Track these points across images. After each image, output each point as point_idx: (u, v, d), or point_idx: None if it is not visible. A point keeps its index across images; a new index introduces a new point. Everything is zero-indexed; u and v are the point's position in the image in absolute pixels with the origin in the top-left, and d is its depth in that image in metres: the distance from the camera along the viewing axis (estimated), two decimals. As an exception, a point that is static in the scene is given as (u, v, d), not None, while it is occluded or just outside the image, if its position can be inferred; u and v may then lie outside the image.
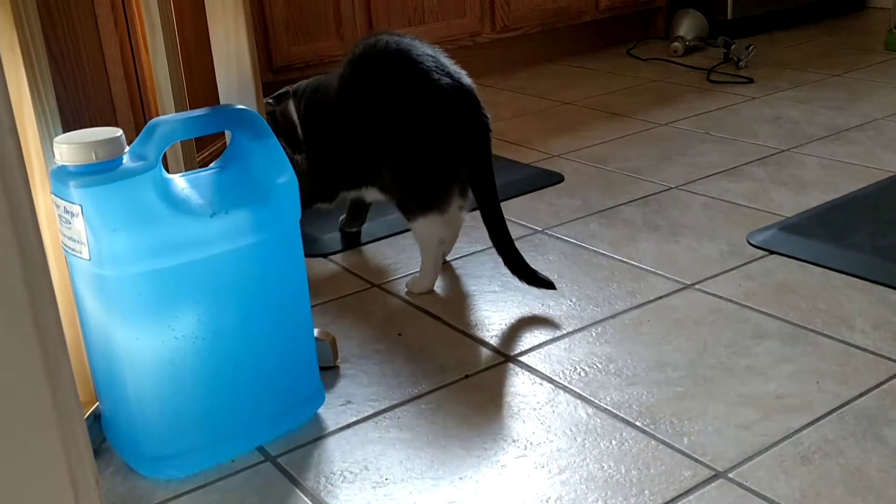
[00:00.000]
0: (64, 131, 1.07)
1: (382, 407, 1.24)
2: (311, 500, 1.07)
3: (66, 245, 1.05)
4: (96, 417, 1.18)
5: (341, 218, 1.83)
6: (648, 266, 1.60)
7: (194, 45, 1.87)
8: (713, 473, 1.07)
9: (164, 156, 1.11)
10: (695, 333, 1.37)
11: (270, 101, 1.72)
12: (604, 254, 1.66)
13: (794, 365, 1.27)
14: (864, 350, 1.30)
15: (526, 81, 2.97)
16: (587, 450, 1.13)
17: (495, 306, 1.50)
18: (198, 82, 1.86)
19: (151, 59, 1.30)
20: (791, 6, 3.47)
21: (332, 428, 1.21)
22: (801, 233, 1.68)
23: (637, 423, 1.17)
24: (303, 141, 1.70)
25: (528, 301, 1.51)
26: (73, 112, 1.65)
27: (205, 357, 1.09)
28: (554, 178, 2.06)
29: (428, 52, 1.50)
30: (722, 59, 3.00)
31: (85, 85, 1.67)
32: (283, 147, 1.16)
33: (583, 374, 1.29)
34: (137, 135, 1.06)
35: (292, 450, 1.17)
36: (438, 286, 1.59)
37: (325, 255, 1.75)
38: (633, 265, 1.61)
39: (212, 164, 1.14)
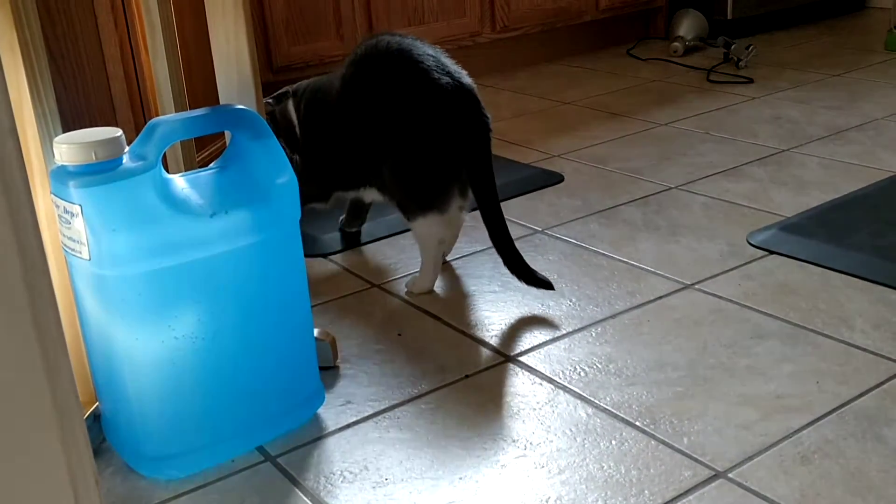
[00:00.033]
0: (64, 131, 1.07)
1: (382, 407, 1.24)
2: (310, 500, 1.07)
3: (65, 245, 1.05)
4: (96, 417, 1.18)
5: (341, 218, 1.83)
6: (648, 266, 1.60)
7: (194, 46, 1.87)
8: (713, 473, 1.07)
9: (164, 156, 1.11)
10: (695, 333, 1.37)
11: (270, 100, 1.72)
12: (604, 254, 1.66)
13: (794, 365, 1.27)
14: (864, 350, 1.30)
15: (526, 81, 2.97)
16: (587, 450, 1.13)
17: (495, 306, 1.51)
18: (198, 82, 1.86)
19: (151, 59, 1.30)
20: (791, 6, 3.47)
21: (331, 428, 1.21)
22: (801, 233, 1.68)
23: (637, 423, 1.17)
24: (300, 141, 1.70)
25: (528, 301, 1.51)
26: (72, 112, 1.65)
27: (204, 357, 1.09)
28: (554, 178, 2.06)
29: (429, 51, 1.50)
30: (722, 59, 3.00)
31: (85, 85, 1.67)
32: (282, 147, 1.16)
33: (583, 374, 1.29)
34: (137, 135, 1.06)
35: (292, 450, 1.17)
36: (438, 286, 1.59)
37: (324, 255, 1.75)
38: (632, 265, 1.61)
39: (212, 164, 1.14)
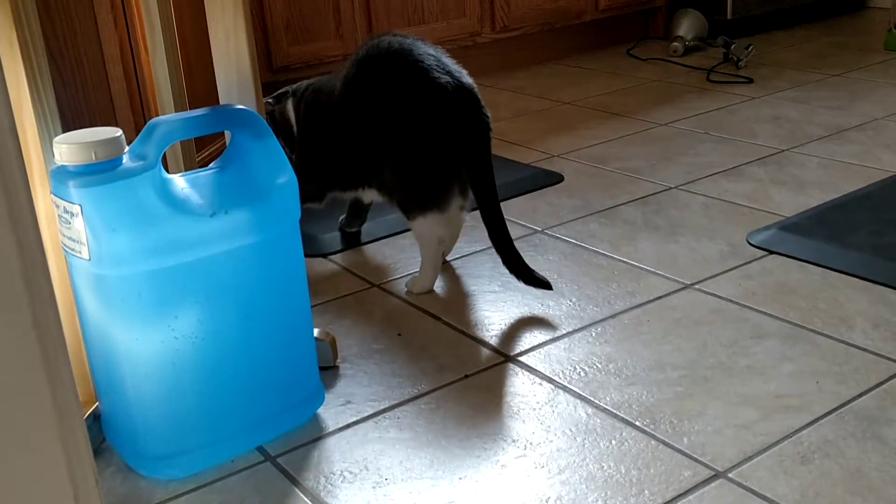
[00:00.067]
0: (63, 131, 1.07)
1: (382, 407, 1.24)
2: (310, 500, 1.07)
3: (65, 245, 1.05)
4: (96, 417, 1.18)
5: (341, 218, 1.83)
6: (648, 266, 1.60)
7: (194, 45, 1.87)
8: (713, 473, 1.07)
9: (164, 156, 1.11)
10: (694, 333, 1.37)
11: (270, 100, 1.72)
12: (604, 254, 1.66)
13: (794, 365, 1.27)
14: (864, 350, 1.30)
15: (526, 81, 2.97)
16: (587, 450, 1.13)
17: (495, 306, 1.51)
18: (198, 82, 1.86)
19: (151, 58, 1.30)
20: (791, 6, 3.47)
21: (331, 428, 1.21)
22: (800, 233, 1.68)
23: (637, 423, 1.17)
24: (296, 140, 1.70)
25: (528, 301, 1.51)
26: (72, 112, 1.65)
27: (204, 357, 1.09)
28: (554, 178, 2.06)
29: (429, 51, 1.50)
30: (721, 59, 3.00)
31: (84, 85, 1.67)
32: (282, 147, 1.16)
33: (582, 374, 1.29)
34: (137, 135, 1.06)
35: (292, 450, 1.17)
36: (438, 286, 1.59)
37: (324, 255, 1.75)
38: (632, 265, 1.61)
39: (211, 164, 1.14)
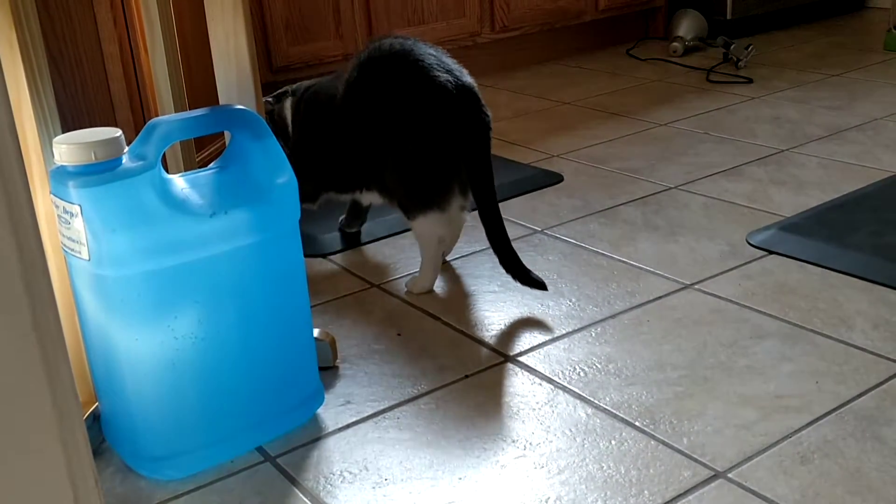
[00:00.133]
0: (63, 131, 1.07)
1: (382, 407, 1.24)
2: (310, 501, 1.07)
3: (65, 245, 1.05)
4: (96, 417, 1.18)
5: (341, 218, 1.83)
6: (648, 266, 1.60)
7: (194, 45, 1.87)
8: (713, 473, 1.07)
9: (164, 156, 1.11)
10: (694, 333, 1.37)
11: (270, 99, 1.72)
12: (603, 254, 1.66)
13: (794, 365, 1.28)
14: (864, 350, 1.30)
15: (526, 81, 2.97)
16: (586, 450, 1.13)
17: (495, 306, 1.51)
18: (197, 82, 1.86)
19: (151, 58, 1.30)
20: (790, 6, 3.47)
21: (331, 428, 1.21)
22: (800, 233, 1.68)
23: (636, 423, 1.17)
24: (292, 140, 1.70)
25: (528, 301, 1.51)
26: (72, 112, 1.65)
27: (204, 357, 1.09)
28: (554, 178, 2.06)
29: (430, 51, 1.50)
30: (721, 59, 3.00)
31: (84, 84, 1.67)
32: (282, 147, 1.16)
33: (582, 374, 1.29)
34: (137, 135, 1.06)
35: (292, 450, 1.17)
36: (438, 286, 1.59)
37: (324, 255, 1.75)
38: (632, 265, 1.61)
39: (211, 164, 1.14)
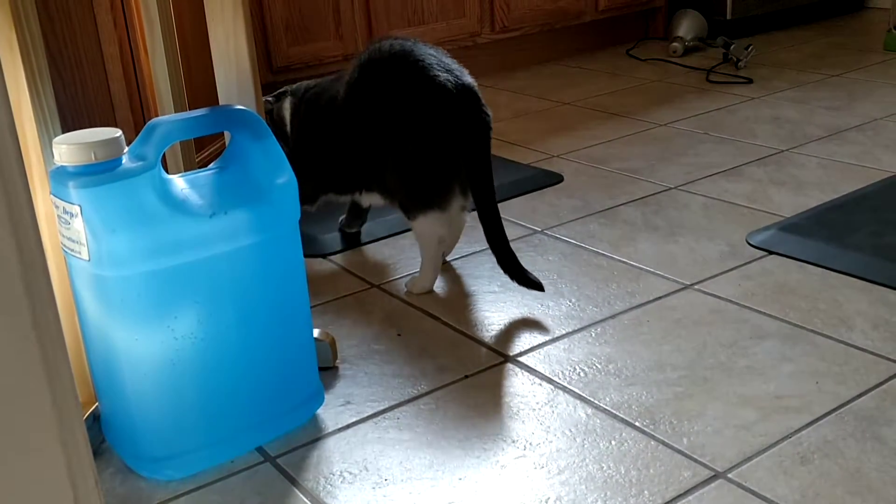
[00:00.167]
0: (63, 131, 1.07)
1: (382, 407, 1.24)
2: (310, 501, 1.07)
3: (65, 246, 1.05)
4: (96, 418, 1.18)
5: (341, 218, 1.83)
6: (648, 266, 1.60)
7: (194, 46, 1.87)
8: (712, 474, 1.07)
9: (164, 156, 1.11)
10: (694, 334, 1.37)
11: (270, 99, 1.72)
12: (603, 254, 1.66)
13: (794, 365, 1.28)
14: (864, 350, 1.30)
15: (526, 81, 2.97)
16: (586, 450, 1.13)
17: (495, 306, 1.51)
18: (197, 82, 1.86)
19: (150, 58, 1.30)
20: (790, 6, 3.47)
21: (331, 428, 1.21)
22: (800, 233, 1.68)
23: (636, 424, 1.17)
24: (291, 140, 1.70)
25: (528, 301, 1.51)
26: (72, 112, 1.65)
27: (204, 357, 1.09)
28: (553, 179, 2.06)
29: (430, 51, 1.51)
30: (721, 59, 3.00)
31: (84, 85, 1.67)
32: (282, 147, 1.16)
33: (582, 374, 1.29)
34: (137, 135, 1.06)
35: (292, 450, 1.17)
36: (438, 286, 1.59)
37: (324, 255, 1.75)
38: (632, 265, 1.61)
39: (211, 165, 1.14)
